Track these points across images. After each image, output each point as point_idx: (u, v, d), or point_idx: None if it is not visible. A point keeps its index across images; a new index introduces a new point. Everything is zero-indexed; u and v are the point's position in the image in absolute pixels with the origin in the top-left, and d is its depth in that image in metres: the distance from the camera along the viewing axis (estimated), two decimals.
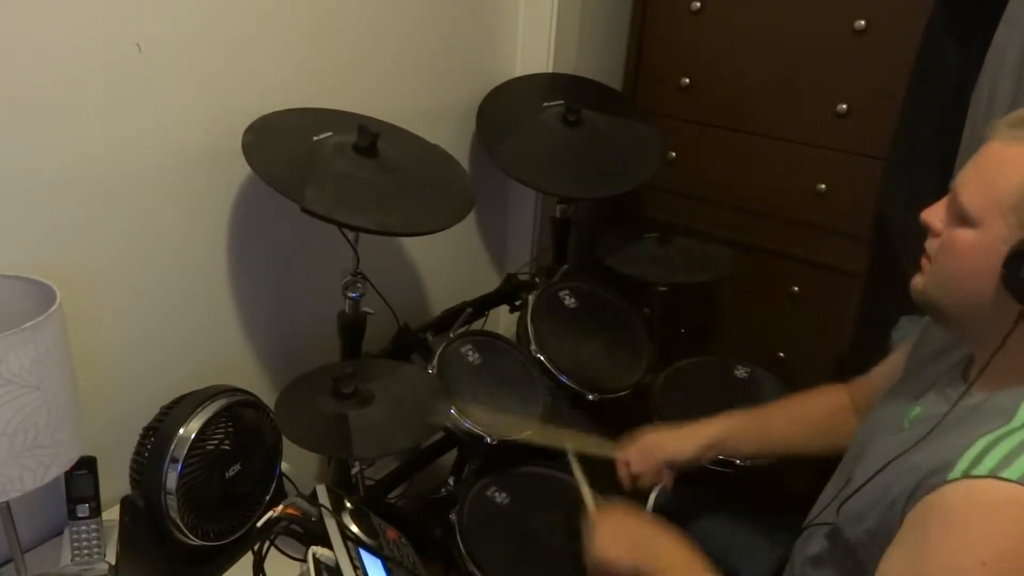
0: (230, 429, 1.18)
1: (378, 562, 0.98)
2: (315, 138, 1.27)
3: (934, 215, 0.85)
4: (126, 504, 1.13)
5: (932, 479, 0.76)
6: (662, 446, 1.22)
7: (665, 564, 0.97)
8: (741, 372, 1.67)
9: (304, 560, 0.94)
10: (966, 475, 0.73)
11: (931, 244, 0.86)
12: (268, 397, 1.27)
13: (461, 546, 1.26)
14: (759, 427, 1.24)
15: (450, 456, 1.61)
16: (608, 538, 1.02)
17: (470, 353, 1.49)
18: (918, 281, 0.88)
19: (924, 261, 0.87)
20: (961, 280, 0.82)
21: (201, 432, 1.13)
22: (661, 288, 1.76)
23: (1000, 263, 0.77)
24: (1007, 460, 0.72)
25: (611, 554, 1.00)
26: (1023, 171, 0.76)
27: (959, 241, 0.81)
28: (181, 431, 1.11)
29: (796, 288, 1.95)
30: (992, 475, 0.72)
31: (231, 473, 1.18)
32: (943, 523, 0.74)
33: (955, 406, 0.85)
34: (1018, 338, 0.80)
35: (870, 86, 1.71)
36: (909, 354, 1.07)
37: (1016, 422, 0.77)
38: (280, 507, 0.98)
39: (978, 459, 0.74)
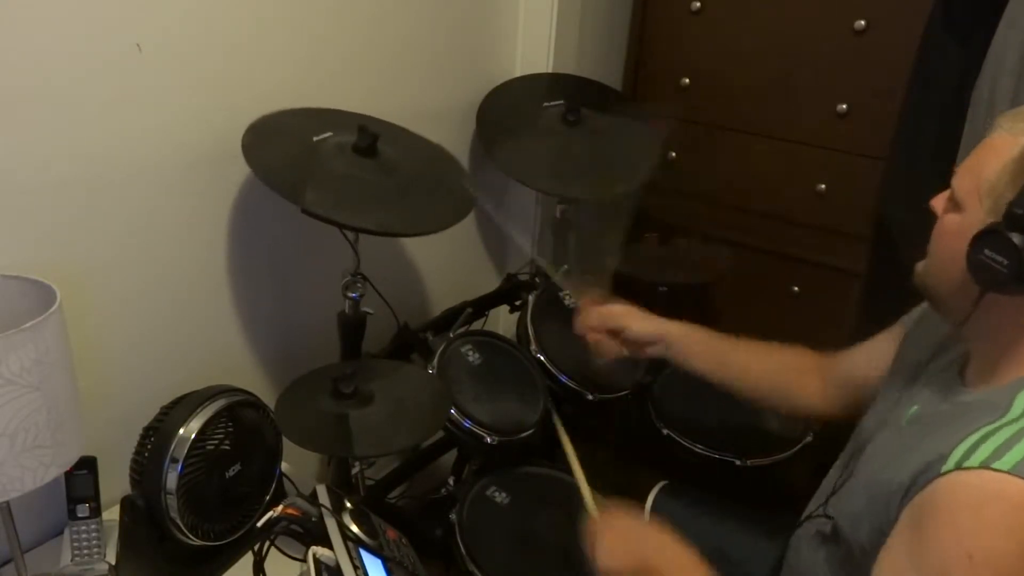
0: (230, 429, 1.18)
1: (378, 562, 0.98)
2: (315, 138, 1.27)
3: (938, 201, 0.87)
4: (126, 504, 1.13)
5: (926, 474, 0.76)
6: (616, 313, 1.25)
7: (665, 570, 0.97)
8: None
9: (304, 560, 0.94)
10: (958, 467, 0.73)
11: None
12: (268, 397, 1.27)
13: (461, 546, 1.26)
14: (719, 347, 1.23)
15: (450, 456, 1.60)
16: (610, 546, 1.01)
17: (470, 353, 1.49)
18: (919, 265, 0.89)
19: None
20: (945, 262, 0.84)
21: (201, 432, 1.13)
22: (661, 288, 1.76)
23: None
24: (999, 452, 0.73)
25: (613, 562, 1.00)
26: (1003, 158, 0.77)
27: (946, 224, 0.83)
28: (181, 431, 1.11)
29: (796, 288, 1.94)
30: (983, 466, 0.72)
31: (231, 473, 1.18)
32: (934, 516, 0.74)
33: (951, 403, 0.86)
34: (1008, 329, 0.81)
35: (870, 86, 1.71)
36: (900, 348, 1.07)
37: (1011, 415, 0.77)
38: (280, 507, 0.98)
39: (970, 452, 0.74)
